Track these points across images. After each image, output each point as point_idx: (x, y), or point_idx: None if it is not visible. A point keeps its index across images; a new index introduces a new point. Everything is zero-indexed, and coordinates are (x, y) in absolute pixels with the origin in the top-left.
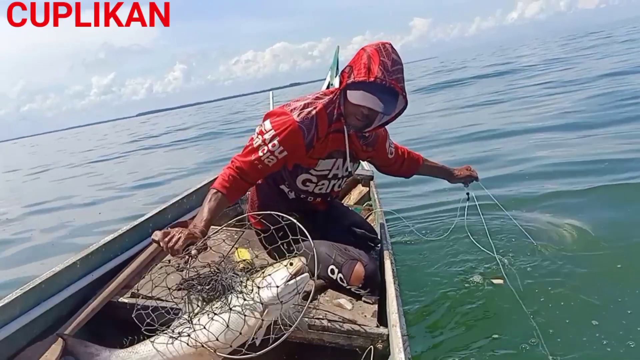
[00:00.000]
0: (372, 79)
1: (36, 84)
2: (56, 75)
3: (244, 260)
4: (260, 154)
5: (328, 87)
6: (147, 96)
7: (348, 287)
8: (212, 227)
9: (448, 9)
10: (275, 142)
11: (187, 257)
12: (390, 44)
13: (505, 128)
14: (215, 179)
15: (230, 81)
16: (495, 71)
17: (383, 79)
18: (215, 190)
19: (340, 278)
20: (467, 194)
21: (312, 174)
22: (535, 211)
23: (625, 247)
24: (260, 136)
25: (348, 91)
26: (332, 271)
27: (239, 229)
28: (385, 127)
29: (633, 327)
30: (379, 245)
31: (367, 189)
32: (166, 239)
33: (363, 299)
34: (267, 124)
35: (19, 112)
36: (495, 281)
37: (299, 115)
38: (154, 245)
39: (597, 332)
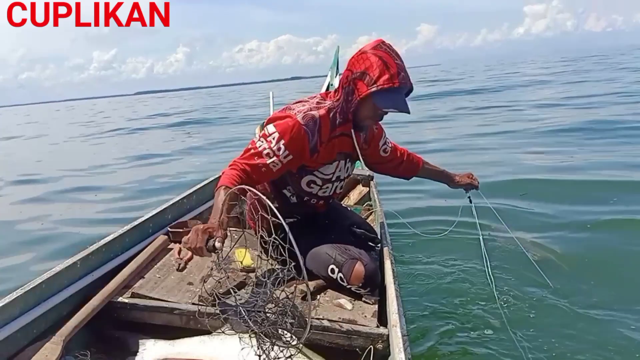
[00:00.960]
0: (397, 85)
1: (37, 53)
2: (57, 46)
3: (245, 265)
4: (266, 159)
5: (328, 88)
6: (147, 76)
7: (348, 286)
8: None
9: (456, 17)
10: (281, 145)
11: (212, 253)
12: (388, 43)
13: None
14: (217, 180)
15: (232, 69)
16: (489, 87)
17: (406, 82)
18: (224, 186)
19: (341, 277)
20: (469, 197)
21: (317, 176)
22: (533, 229)
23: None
24: (263, 140)
25: (374, 98)
26: (333, 271)
27: (238, 229)
28: (382, 124)
29: None
30: (379, 245)
31: (367, 189)
32: (188, 243)
33: (363, 299)
34: (271, 128)
35: (17, 80)
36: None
37: (303, 118)
38: (154, 245)
39: None
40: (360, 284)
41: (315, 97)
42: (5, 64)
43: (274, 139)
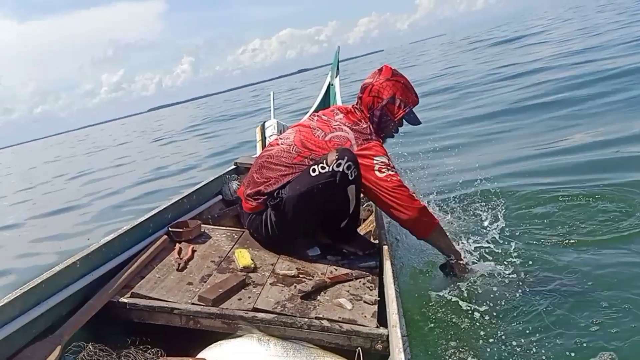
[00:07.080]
0: (418, 102)
1: (47, 85)
2: (66, 75)
3: (244, 265)
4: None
5: (328, 88)
6: (158, 91)
7: (329, 169)
8: (211, 227)
9: None
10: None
11: None
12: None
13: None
14: (217, 179)
15: (238, 71)
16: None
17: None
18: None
19: (322, 167)
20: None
21: None
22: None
23: None
24: (387, 162)
25: (406, 117)
26: (313, 170)
27: (238, 229)
28: None
29: None
30: (378, 245)
31: None
32: None
33: (363, 300)
34: (380, 157)
35: (31, 115)
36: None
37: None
38: (154, 244)
39: None
40: (336, 157)
41: (337, 115)
42: (17, 100)
43: (387, 159)
